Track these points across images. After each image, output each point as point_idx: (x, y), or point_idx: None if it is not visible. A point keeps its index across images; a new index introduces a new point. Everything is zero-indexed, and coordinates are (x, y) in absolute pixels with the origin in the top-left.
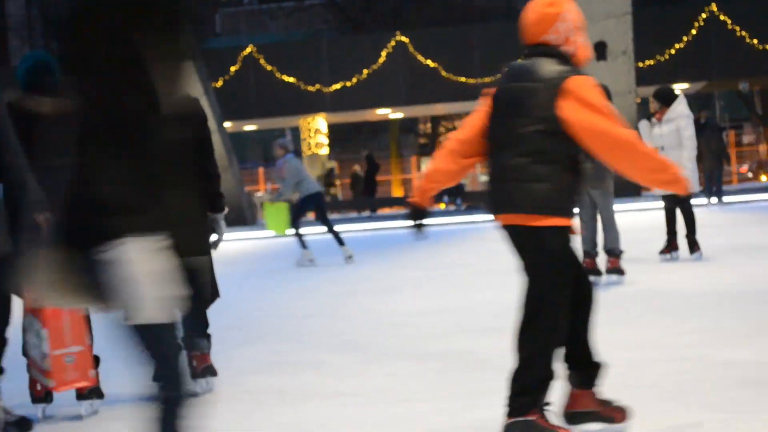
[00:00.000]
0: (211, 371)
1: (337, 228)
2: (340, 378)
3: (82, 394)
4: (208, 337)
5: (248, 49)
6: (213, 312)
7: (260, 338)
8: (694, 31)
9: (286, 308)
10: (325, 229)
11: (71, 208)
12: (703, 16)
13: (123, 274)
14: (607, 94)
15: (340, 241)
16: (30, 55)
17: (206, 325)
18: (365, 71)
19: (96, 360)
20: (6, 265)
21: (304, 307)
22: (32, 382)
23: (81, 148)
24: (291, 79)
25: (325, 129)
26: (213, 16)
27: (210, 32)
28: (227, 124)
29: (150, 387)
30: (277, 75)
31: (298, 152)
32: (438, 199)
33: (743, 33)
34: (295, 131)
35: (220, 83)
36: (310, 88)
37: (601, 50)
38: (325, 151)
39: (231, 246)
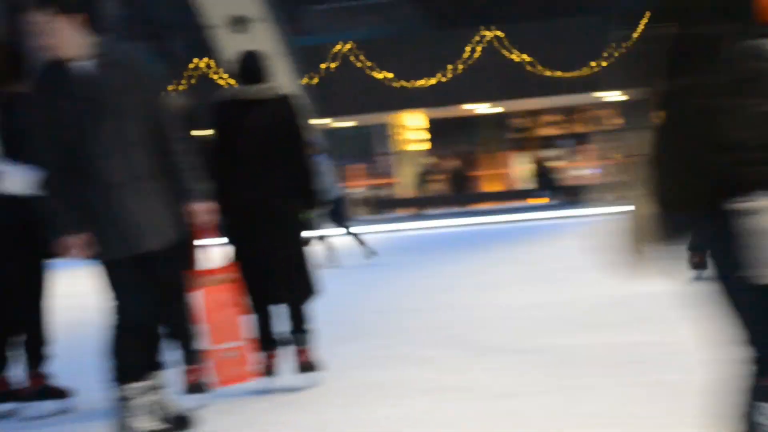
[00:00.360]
0: (313, 366)
1: (433, 223)
2: (442, 372)
3: (193, 386)
4: (309, 332)
5: (344, 46)
6: (315, 308)
7: (362, 333)
8: None
9: (387, 303)
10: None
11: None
12: None
13: (759, 228)
14: None
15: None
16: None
17: (307, 320)
18: (460, 66)
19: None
20: (169, 255)
21: (406, 302)
22: (187, 373)
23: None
24: (386, 75)
25: (420, 125)
26: (307, 13)
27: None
28: (323, 121)
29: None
30: (372, 71)
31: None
32: (536, 193)
33: None
34: (390, 128)
35: (315, 80)
36: (406, 84)
37: None
38: (420, 147)
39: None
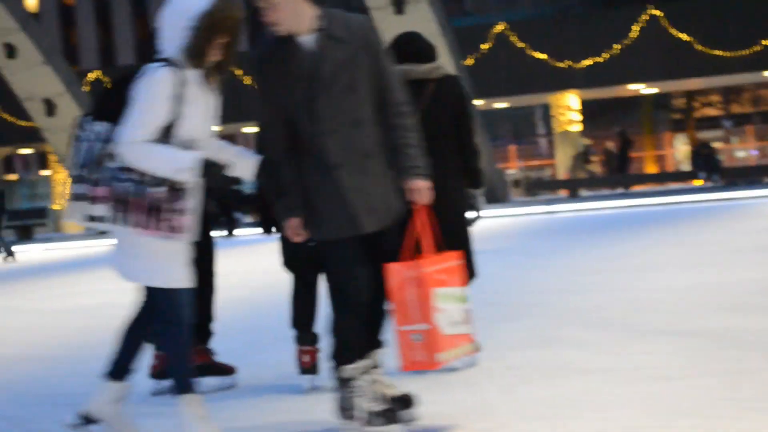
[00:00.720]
0: (473, 347)
1: (589, 205)
2: (599, 354)
3: (306, 369)
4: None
5: (499, 26)
6: (472, 289)
7: (518, 314)
8: None
9: (542, 284)
10: None
11: None
12: None
13: None
14: None
15: None
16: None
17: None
18: (616, 46)
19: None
20: (391, 233)
21: (561, 283)
22: (300, 353)
23: None
24: (542, 56)
25: (576, 106)
26: None
27: (460, 10)
28: (478, 102)
29: None
30: (528, 52)
31: None
32: (694, 175)
33: None
34: (546, 108)
35: (471, 61)
36: (561, 65)
37: None
38: (577, 128)
39: (486, 223)
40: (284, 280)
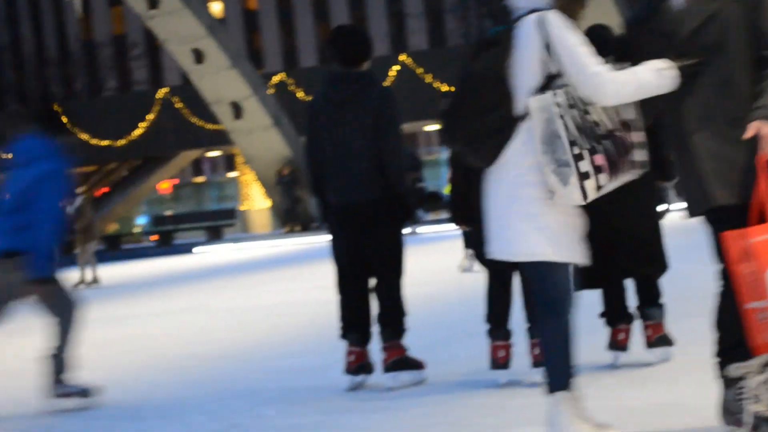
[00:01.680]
0: (666, 341)
1: None
2: None
3: (538, 362)
4: (661, 306)
5: None
6: (664, 282)
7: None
8: None
9: None
10: None
11: None
12: None
13: None
14: None
15: None
16: None
17: (659, 294)
18: None
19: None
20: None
21: None
22: (495, 349)
23: None
24: None
25: None
26: None
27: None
28: None
29: None
30: None
31: None
32: None
33: None
34: None
35: None
36: None
37: None
38: None
39: (675, 216)
40: (469, 277)
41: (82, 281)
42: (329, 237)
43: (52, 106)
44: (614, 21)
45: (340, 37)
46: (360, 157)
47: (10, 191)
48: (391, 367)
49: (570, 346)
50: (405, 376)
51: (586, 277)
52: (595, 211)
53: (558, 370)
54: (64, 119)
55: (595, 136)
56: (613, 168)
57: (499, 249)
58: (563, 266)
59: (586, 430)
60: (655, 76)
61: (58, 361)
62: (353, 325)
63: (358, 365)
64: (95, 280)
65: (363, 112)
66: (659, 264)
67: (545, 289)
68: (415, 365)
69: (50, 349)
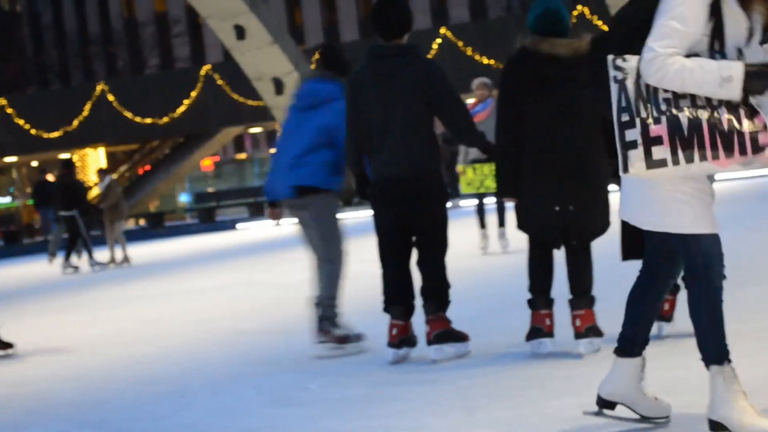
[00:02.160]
0: None
1: None
2: None
3: (579, 333)
4: None
5: None
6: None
7: (761, 278)
8: None
9: None
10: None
11: None
12: None
13: None
14: None
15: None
16: (540, 3)
17: None
18: None
19: (592, 299)
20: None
21: None
22: (538, 317)
23: None
24: None
25: None
26: None
27: None
28: None
29: None
30: None
31: None
32: None
33: None
34: None
35: None
36: None
37: None
38: None
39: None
40: (511, 249)
41: (112, 260)
42: (372, 211)
43: (336, 50)
44: None
45: (382, 10)
46: (408, 130)
47: (304, 132)
48: (435, 339)
49: (719, 316)
50: (449, 348)
51: (628, 248)
52: None
53: (712, 342)
54: (110, 97)
55: (661, 103)
56: (686, 144)
57: (646, 220)
58: (705, 236)
59: (750, 413)
60: (717, 82)
61: (327, 307)
62: (396, 299)
63: (402, 338)
64: (126, 260)
65: (412, 86)
66: None
67: (684, 259)
68: (459, 338)
69: (318, 297)
